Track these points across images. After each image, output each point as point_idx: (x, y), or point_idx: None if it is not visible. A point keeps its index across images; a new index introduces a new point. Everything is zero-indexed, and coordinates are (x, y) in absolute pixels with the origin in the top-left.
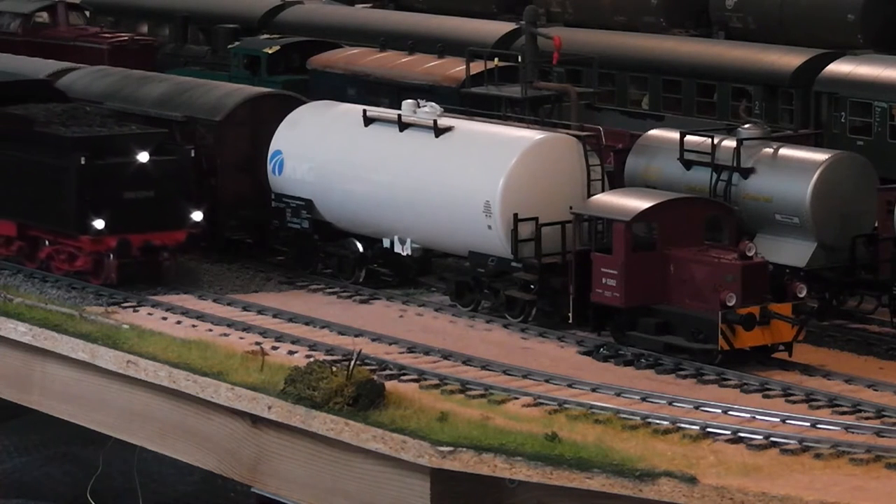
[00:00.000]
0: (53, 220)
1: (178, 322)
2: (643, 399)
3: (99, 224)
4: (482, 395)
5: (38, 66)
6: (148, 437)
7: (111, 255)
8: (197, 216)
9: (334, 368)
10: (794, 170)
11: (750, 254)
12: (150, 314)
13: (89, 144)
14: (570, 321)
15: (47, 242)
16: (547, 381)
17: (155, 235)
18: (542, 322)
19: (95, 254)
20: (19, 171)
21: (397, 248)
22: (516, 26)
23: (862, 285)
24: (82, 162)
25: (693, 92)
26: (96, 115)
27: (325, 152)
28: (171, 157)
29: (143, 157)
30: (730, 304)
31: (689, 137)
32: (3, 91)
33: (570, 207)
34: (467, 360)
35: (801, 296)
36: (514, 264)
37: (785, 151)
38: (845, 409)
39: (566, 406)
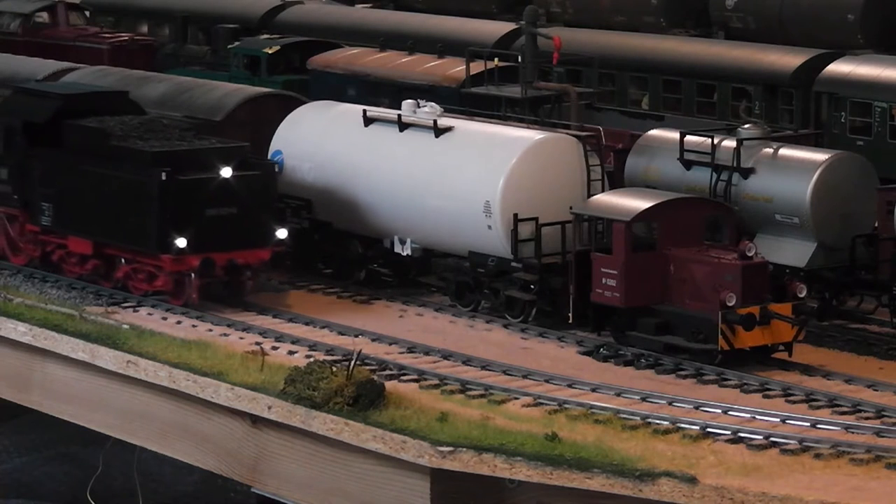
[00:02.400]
0: (132, 238)
1: (178, 322)
2: (643, 399)
3: (181, 242)
4: (482, 395)
5: (38, 66)
6: (148, 437)
7: (193, 275)
8: (282, 234)
9: (334, 368)
10: (794, 170)
11: (750, 254)
12: (150, 314)
13: (170, 159)
14: (570, 321)
15: (123, 261)
16: (547, 381)
17: (238, 254)
18: (542, 322)
19: (177, 274)
20: (95, 187)
21: (397, 249)
22: (516, 26)
23: (862, 285)
24: (163, 178)
25: (693, 92)
26: (174, 127)
27: (325, 152)
28: (254, 171)
29: (227, 172)
30: (730, 304)
31: (689, 137)
32: (77, 103)
33: (570, 207)
34: (467, 360)
35: (801, 296)
36: (514, 264)
37: (785, 151)
38: (845, 409)
39: (566, 406)
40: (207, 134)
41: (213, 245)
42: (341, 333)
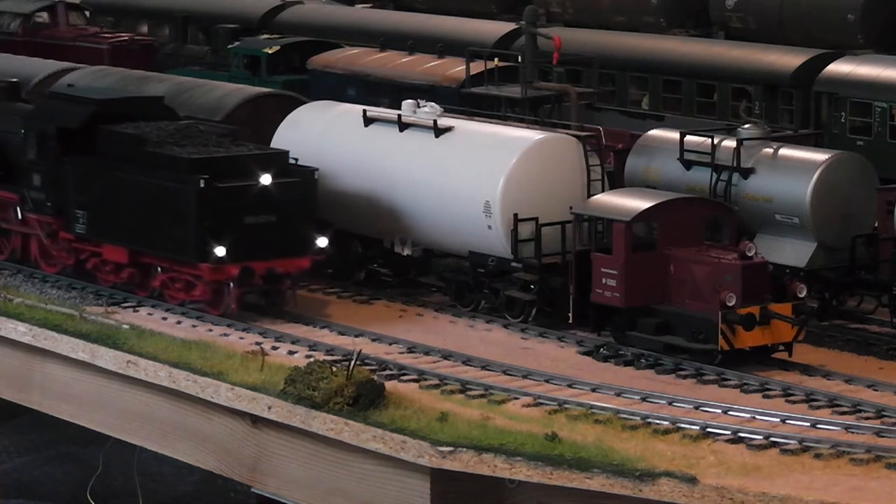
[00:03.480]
0: (169, 246)
1: (178, 322)
2: (643, 399)
3: (220, 251)
4: (482, 395)
5: (38, 66)
6: (148, 437)
7: (232, 285)
8: (322, 242)
9: (334, 368)
10: (794, 170)
11: (750, 254)
12: (150, 314)
13: (209, 166)
14: (570, 321)
15: (160, 269)
16: (547, 381)
17: (278, 263)
18: (542, 322)
19: (215, 283)
20: (131, 195)
21: (397, 249)
22: (516, 26)
23: (862, 285)
24: (202, 185)
25: (693, 92)
26: (210, 133)
27: (325, 152)
28: (294, 178)
29: (266, 179)
30: (730, 304)
31: (689, 137)
32: (111, 108)
33: (570, 207)
34: (467, 360)
35: (801, 296)
36: (514, 264)
37: (785, 151)
38: (845, 409)
39: (566, 406)
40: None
41: (253, 254)
42: (341, 333)
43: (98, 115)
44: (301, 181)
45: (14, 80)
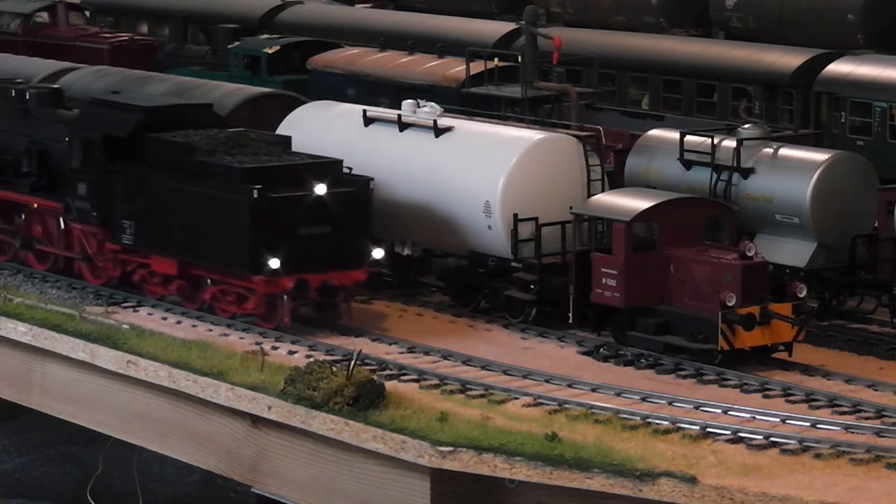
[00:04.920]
0: (221, 258)
1: (178, 322)
2: (643, 399)
3: (274, 263)
4: (482, 395)
5: (38, 66)
6: (148, 437)
7: (286, 297)
8: (378, 254)
9: (334, 368)
10: (794, 170)
11: (750, 254)
12: (150, 314)
13: (262, 175)
14: (570, 321)
15: (210, 282)
16: (547, 381)
17: (333, 275)
18: (542, 322)
19: (269, 296)
20: (181, 205)
21: (397, 249)
22: (516, 26)
23: (862, 285)
24: (255, 195)
25: (693, 92)
26: (261, 142)
27: (325, 152)
28: (349, 188)
29: (321, 189)
30: (730, 304)
31: (689, 137)
32: (159, 116)
33: (570, 207)
34: (467, 360)
35: (801, 296)
36: (514, 264)
37: (785, 151)
38: (845, 409)
39: (566, 406)
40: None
41: (307, 266)
42: (341, 333)
43: (145, 122)
44: (356, 191)
45: (56, 86)
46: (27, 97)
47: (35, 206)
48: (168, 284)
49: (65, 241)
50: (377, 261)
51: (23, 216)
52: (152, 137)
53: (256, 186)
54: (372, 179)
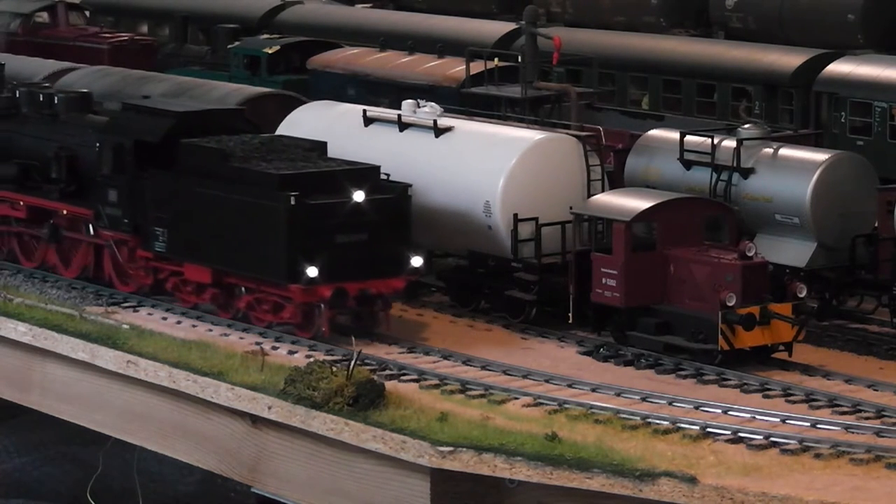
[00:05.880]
0: (257, 266)
1: (178, 322)
2: (643, 399)
3: (312, 272)
4: (482, 395)
5: (38, 66)
6: (148, 437)
7: (324, 306)
8: (416, 262)
9: (334, 368)
10: (794, 170)
11: (750, 254)
12: (150, 314)
13: (299, 182)
14: (570, 321)
15: (244, 290)
16: (547, 381)
17: (371, 283)
18: (542, 322)
19: (306, 305)
20: (215, 212)
21: None
22: (516, 26)
23: (862, 285)
24: (293, 202)
25: (693, 92)
26: (297, 147)
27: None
28: (387, 195)
29: (359, 196)
30: (730, 304)
31: (689, 137)
32: (191, 121)
33: (570, 207)
34: (467, 360)
35: (801, 296)
36: (514, 264)
37: (785, 151)
38: (845, 409)
39: (566, 406)
40: None
41: (345, 274)
42: (342, 334)
43: (177, 128)
44: (394, 198)
45: (85, 90)
46: (55, 101)
47: (64, 212)
48: (201, 293)
49: (94, 249)
50: (416, 269)
51: (51, 221)
52: (185, 143)
53: (294, 193)
54: (410, 186)
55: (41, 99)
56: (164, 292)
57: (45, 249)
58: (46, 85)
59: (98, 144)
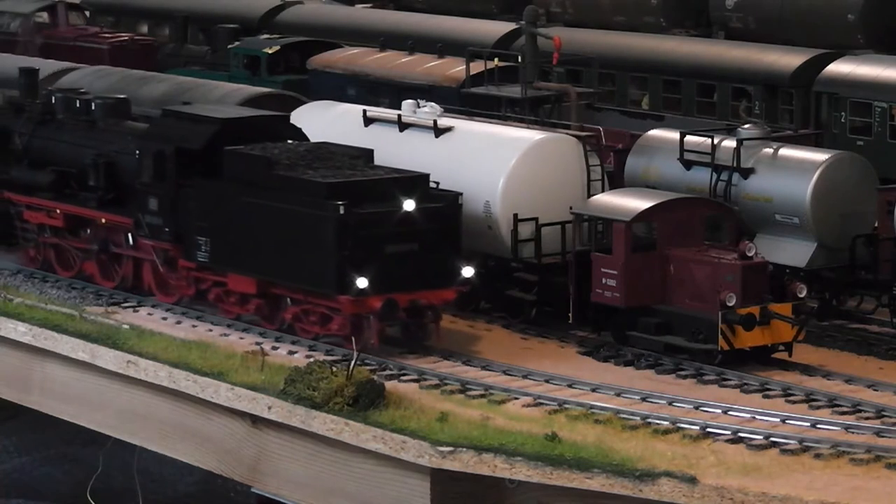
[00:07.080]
0: (304, 277)
1: (178, 322)
2: (643, 399)
3: (362, 282)
4: (482, 395)
5: (38, 66)
6: (148, 437)
7: (374, 318)
8: (467, 272)
9: (334, 368)
10: (794, 170)
11: (750, 254)
12: (150, 314)
13: (347, 191)
14: (570, 321)
15: (290, 301)
16: (547, 381)
17: (421, 294)
18: (542, 322)
19: (355, 316)
20: (260, 221)
21: None
22: (516, 26)
23: (862, 285)
24: (341, 211)
25: (693, 92)
26: (343, 155)
27: None
28: (437, 204)
29: (409, 205)
30: (730, 304)
31: (689, 137)
32: (234, 128)
33: (570, 207)
34: (467, 360)
35: (801, 296)
36: (514, 264)
37: (785, 151)
38: (845, 409)
39: (566, 406)
40: None
41: (395, 285)
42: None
43: (220, 134)
44: (444, 206)
45: (123, 96)
46: (93, 107)
47: (103, 221)
48: (245, 304)
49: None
50: (467, 279)
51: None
52: (230, 151)
53: (342, 202)
54: (460, 194)
55: (78, 105)
56: (206, 303)
57: (85, 260)
58: (83, 91)
59: (138, 151)
